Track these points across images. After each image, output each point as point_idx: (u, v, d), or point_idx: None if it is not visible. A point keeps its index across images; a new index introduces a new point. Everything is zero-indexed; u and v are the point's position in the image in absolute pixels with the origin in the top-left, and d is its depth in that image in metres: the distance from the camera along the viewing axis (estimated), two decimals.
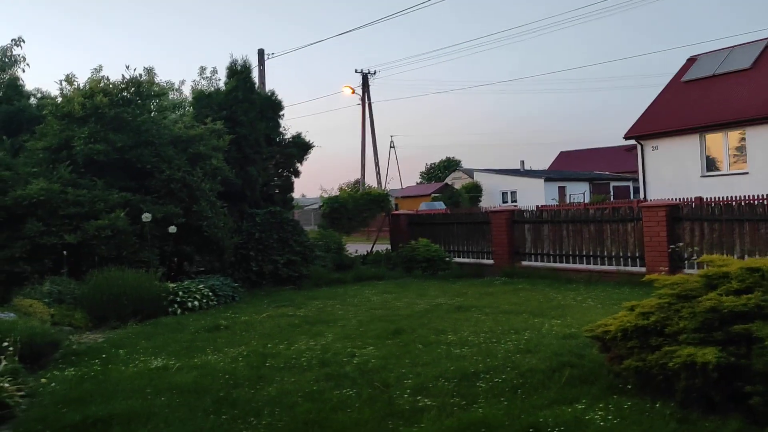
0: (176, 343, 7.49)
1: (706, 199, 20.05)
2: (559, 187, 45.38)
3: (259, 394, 5.37)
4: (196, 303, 9.95)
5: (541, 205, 31.06)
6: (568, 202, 39.52)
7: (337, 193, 19.07)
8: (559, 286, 11.55)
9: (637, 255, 11.55)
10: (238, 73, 14.60)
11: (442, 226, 16.10)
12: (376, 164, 39.04)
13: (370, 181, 40.95)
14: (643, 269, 11.23)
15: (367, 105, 38.29)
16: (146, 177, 11.10)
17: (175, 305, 9.77)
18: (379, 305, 10.01)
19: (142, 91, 11.32)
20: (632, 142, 25.89)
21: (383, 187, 39.01)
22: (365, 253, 16.56)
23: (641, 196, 25.31)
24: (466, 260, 15.15)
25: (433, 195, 46.58)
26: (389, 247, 17.46)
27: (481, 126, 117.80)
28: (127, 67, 11.38)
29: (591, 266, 12.30)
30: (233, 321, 8.85)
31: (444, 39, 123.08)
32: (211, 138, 11.96)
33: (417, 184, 71.42)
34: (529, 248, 13.73)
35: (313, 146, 16.04)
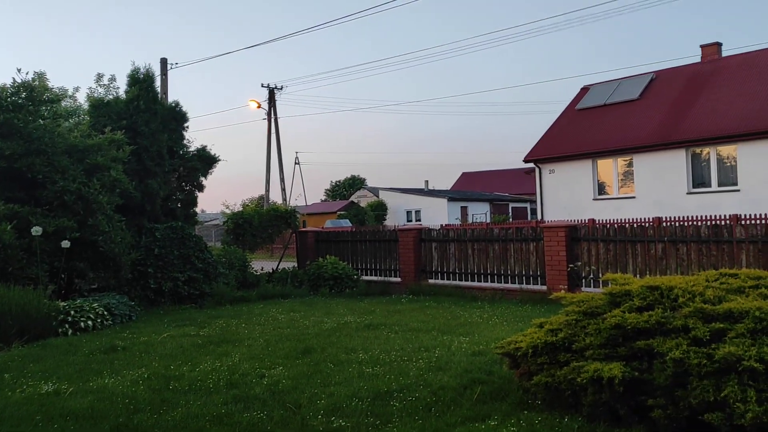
0: (69, 366, 6.98)
1: (598, 220, 21.20)
2: (461, 206, 46.63)
3: (163, 419, 5.07)
4: (89, 323, 9.34)
5: (446, 224, 31.77)
6: (470, 221, 40.63)
7: (241, 209, 18.61)
8: (465, 303, 11.77)
9: (538, 274, 11.98)
10: (141, 81, 14.00)
11: (350, 244, 16.07)
12: (282, 180, 38.50)
13: (275, 197, 40.29)
14: (544, 287, 11.66)
15: (273, 120, 37.79)
16: (37, 188, 10.36)
17: (66, 325, 9.13)
18: (286, 324, 9.79)
19: (35, 96, 10.57)
20: (531, 165, 27.00)
21: (288, 204, 38.56)
22: (271, 270, 16.22)
23: (538, 217, 26.40)
24: (373, 278, 15.17)
25: (338, 212, 46.58)
26: (296, 264, 17.23)
27: (385, 145, 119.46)
28: (19, 70, 10.63)
29: (495, 284, 12.64)
30: (131, 342, 8.37)
31: (352, 58, 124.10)
32: (110, 148, 11.35)
33: (322, 201, 71.31)
34: (436, 266, 13.94)
35: (219, 160, 15.64)
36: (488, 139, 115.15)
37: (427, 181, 53.82)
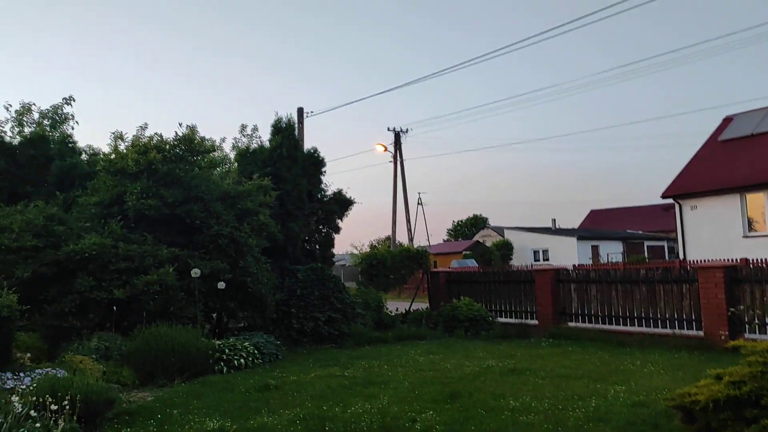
0: (228, 404, 7.30)
1: (752, 260, 19.53)
2: (592, 246, 44.75)
3: None
4: (242, 361, 9.78)
5: (578, 265, 30.59)
6: (602, 261, 38.85)
7: (368, 250, 18.91)
8: (611, 349, 11.18)
9: (692, 318, 11.15)
10: (283, 130, 14.80)
11: (483, 285, 15.83)
12: (408, 221, 38.95)
13: (400, 238, 40.74)
14: (701, 333, 10.84)
15: (399, 162, 38.53)
16: (195, 232, 11.13)
17: (222, 363, 9.61)
18: (427, 366, 9.74)
19: (194, 147, 11.49)
20: (670, 200, 25.50)
21: (413, 244, 38.82)
22: (403, 311, 16.31)
23: (680, 256, 24.75)
24: (508, 320, 14.81)
25: (464, 252, 46.23)
26: (428, 305, 17.20)
27: (509, 184, 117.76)
28: (180, 125, 11.69)
29: (643, 329, 11.90)
30: (282, 381, 8.65)
31: (473, 99, 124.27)
32: (258, 194, 12.03)
33: (444, 241, 71.23)
34: (576, 308, 13.39)
35: (354, 203, 16.13)
36: (617, 175, 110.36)
37: (554, 220, 52.28)
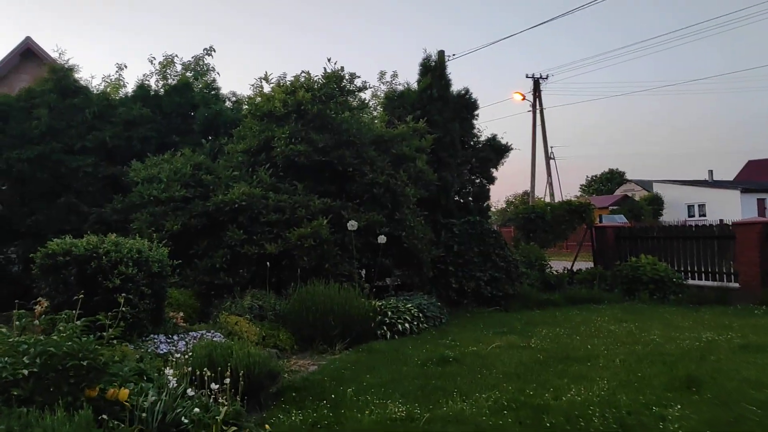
0: (407, 381, 6.07)
1: None
2: (758, 199, 39.95)
3: None
4: (406, 326, 8.58)
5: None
6: None
7: (503, 206, 17.18)
8: None
9: None
10: (432, 69, 13.26)
11: (661, 241, 13.68)
12: (549, 174, 36.47)
13: (537, 193, 38.19)
14: None
15: (538, 112, 35.90)
16: (347, 180, 9.99)
17: (384, 327, 8.47)
18: (627, 338, 8.06)
19: (343, 86, 10.27)
20: None
21: (553, 200, 36.33)
22: (566, 270, 14.57)
23: None
24: (697, 282, 12.65)
25: (610, 207, 42.98)
26: (591, 264, 15.32)
27: (644, 134, 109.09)
28: (329, 60, 10.40)
29: None
30: (460, 352, 7.32)
31: (611, 42, 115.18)
32: (413, 138, 10.67)
33: (577, 197, 67.37)
34: None
35: (511, 149, 14.42)
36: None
37: (711, 171, 47.31)
